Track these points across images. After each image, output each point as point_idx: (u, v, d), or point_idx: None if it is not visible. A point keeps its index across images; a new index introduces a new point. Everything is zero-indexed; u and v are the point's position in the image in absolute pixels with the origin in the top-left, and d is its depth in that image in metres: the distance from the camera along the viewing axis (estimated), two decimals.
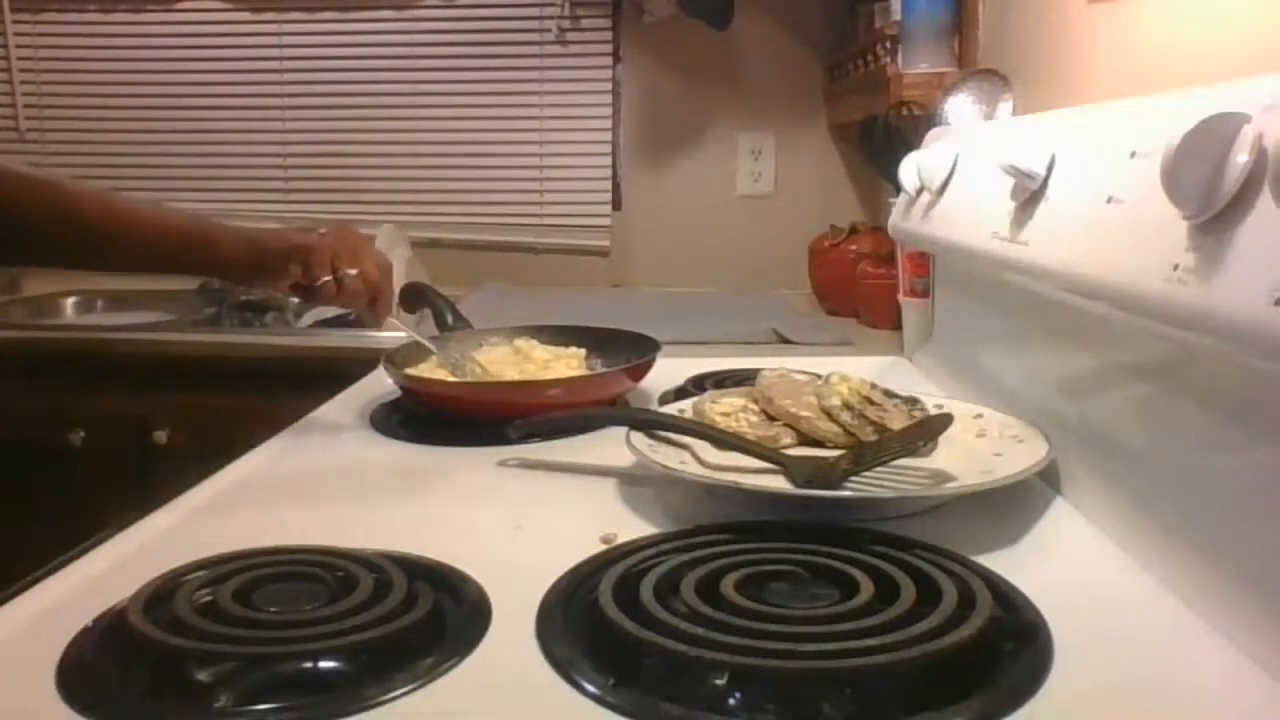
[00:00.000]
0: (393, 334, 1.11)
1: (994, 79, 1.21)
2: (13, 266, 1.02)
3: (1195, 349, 0.59)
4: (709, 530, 0.67)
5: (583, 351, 1.13)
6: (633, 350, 1.10)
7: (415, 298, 1.23)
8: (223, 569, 0.59)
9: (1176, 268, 0.55)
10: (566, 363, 1.11)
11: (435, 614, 0.56)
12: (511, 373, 1.08)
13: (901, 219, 1.14)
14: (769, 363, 1.03)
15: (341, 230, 0.99)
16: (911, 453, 0.76)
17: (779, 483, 0.75)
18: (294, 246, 0.95)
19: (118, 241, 0.96)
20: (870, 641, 0.49)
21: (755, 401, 0.90)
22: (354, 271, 0.95)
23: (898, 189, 1.14)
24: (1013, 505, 0.73)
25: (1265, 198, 0.50)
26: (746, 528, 0.67)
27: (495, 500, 0.82)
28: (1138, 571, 0.63)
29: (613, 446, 0.83)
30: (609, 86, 2.18)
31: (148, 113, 2.24)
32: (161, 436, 1.65)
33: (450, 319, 1.19)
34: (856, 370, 0.94)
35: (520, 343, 1.15)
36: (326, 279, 0.95)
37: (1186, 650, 0.54)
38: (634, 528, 0.71)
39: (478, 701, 0.50)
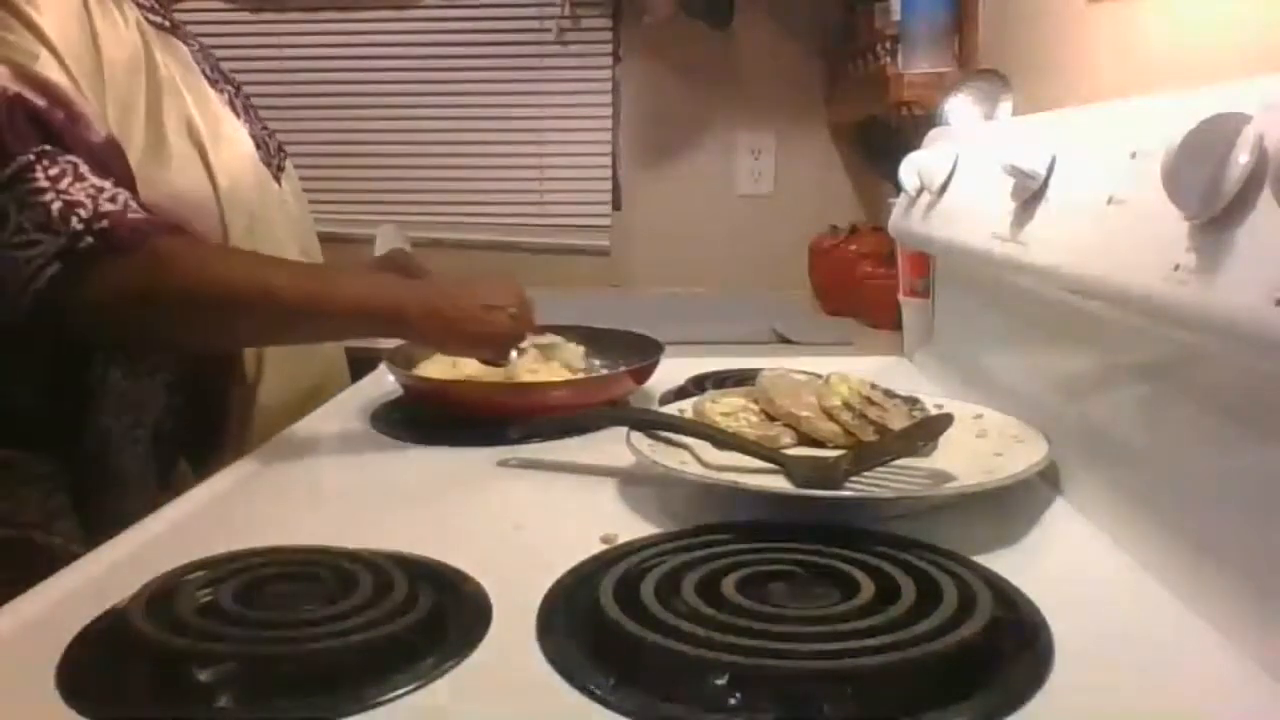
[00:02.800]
0: None
1: (994, 79, 1.21)
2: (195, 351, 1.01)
3: (1196, 349, 0.59)
4: (709, 530, 0.67)
5: (581, 349, 1.13)
6: (634, 351, 1.10)
7: None
8: (223, 569, 0.59)
9: (1177, 268, 0.55)
10: (562, 364, 1.11)
11: (435, 614, 0.56)
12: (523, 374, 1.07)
13: (901, 219, 1.14)
14: (769, 363, 1.03)
15: (520, 306, 0.99)
16: (912, 453, 0.76)
17: (779, 483, 0.75)
18: (485, 337, 0.96)
19: (312, 322, 0.94)
20: (871, 642, 0.49)
21: (755, 401, 0.90)
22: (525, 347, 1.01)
23: (898, 189, 1.14)
24: (1013, 505, 0.73)
25: (1266, 198, 0.50)
26: (747, 528, 0.67)
27: (495, 500, 0.82)
28: (1138, 571, 0.63)
29: (613, 446, 0.83)
30: (609, 86, 2.18)
31: None
32: None
33: None
34: (856, 370, 0.94)
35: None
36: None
37: (1186, 650, 0.54)
38: (634, 528, 0.71)
39: (478, 701, 0.50)
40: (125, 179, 0.90)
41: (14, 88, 0.84)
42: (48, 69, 0.86)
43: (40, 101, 0.85)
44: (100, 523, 0.92)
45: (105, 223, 0.84)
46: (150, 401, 0.97)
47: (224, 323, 0.92)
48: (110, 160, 0.89)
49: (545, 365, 1.06)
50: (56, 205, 0.83)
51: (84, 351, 0.93)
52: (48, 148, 0.84)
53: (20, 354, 0.91)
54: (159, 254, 0.86)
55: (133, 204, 0.87)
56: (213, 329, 0.93)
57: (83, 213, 0.83)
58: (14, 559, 0.88)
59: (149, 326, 0.90)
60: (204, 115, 1.02)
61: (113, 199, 0.86)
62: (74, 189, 0.84)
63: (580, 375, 1.08)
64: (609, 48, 2.17)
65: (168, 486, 0.98)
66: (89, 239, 0.83)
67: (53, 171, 0.84)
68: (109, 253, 0.84)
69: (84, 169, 0.85)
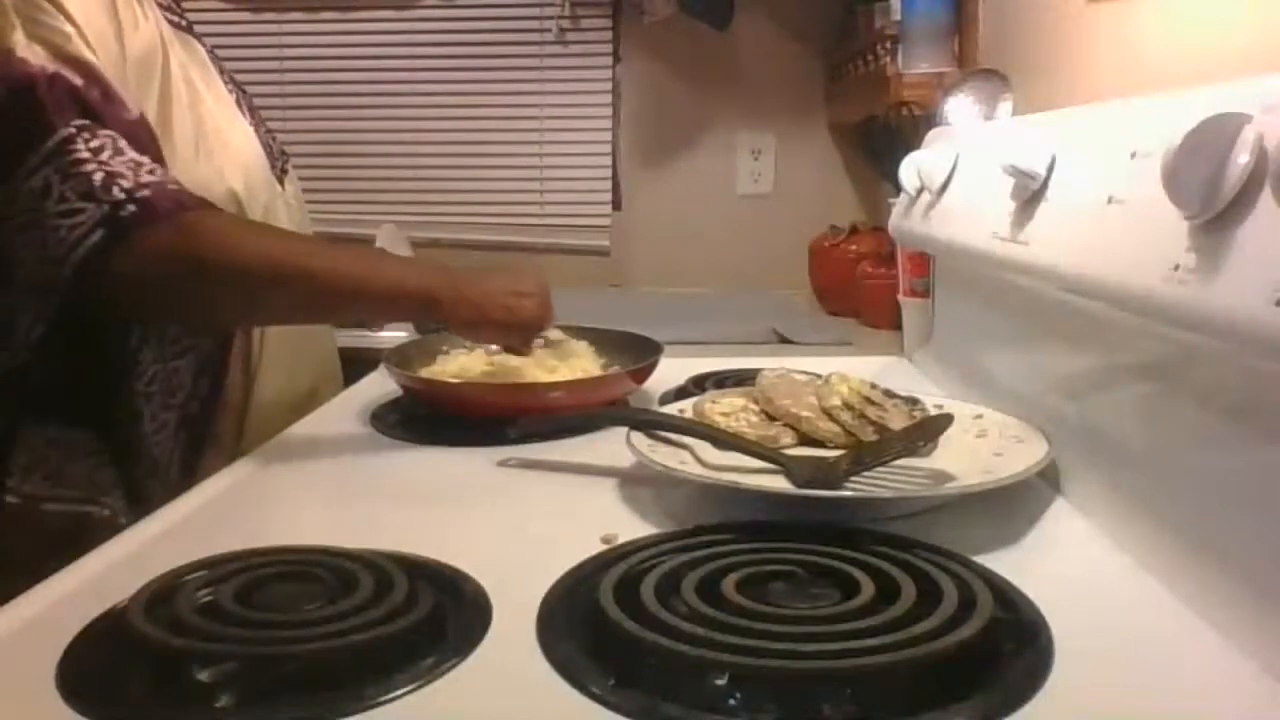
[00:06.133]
0: (393, 334, 1.11)
1: (994, 79, 1.21)
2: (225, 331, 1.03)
3: (1195, 349, 0.59)
4: (709, 530, 0.67)
5: (593, 348, 1.13)
6: (634, 351, 1.10)
7: None
8: (223, 569, 0.59)
9: (1177, 268, 0.55)
10: (579, 360, 1.10)
11: (436, 614, 0.56)
12: (535, 371, 1.07)
13: (901, 219, 1.14)
14: (769, 363, 1.03)
15: (544, 294, 1.00)
16: (912, 453, 0.76)
17: (779, 483, 0.75)
18: (514, 323, 0.98)
19: (347, 303, 0.97)
20: (871, 642, 0.49)
21: (755, 401, 0.90)
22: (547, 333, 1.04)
23: (898, 189, 1.14)
24: (1013, 505, 0.73)
25: (1266, 198, 0.50)
26: (747, 528, 0.67)
27: (495, 500, 0.82)
28: (1138, 571, 0.63)
29: (613, 446, 0.83)
30: (609, 86, 2.18)
31: None
32: None
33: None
34: (856, 370, 0.94)
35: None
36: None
37: (1186, 650, 0.54)
38: (634, 528, 0.71)
39: (478, 701, 0.50)
40: (157, 157, 0.92)
41: (52, 66, 0.86)
42: (82, 49, 0.88)
43: (77, 79, 0.87)
44: (139, 499, 0.93)
45: (147, 192, 0.86)
46: (179, 385, 0.98)
47: (261, 297, 0.93)
48: (143, 138, 0.91)
49: (564, 362, 1.07)
50: (99, 175, 0.85)
51: (120, 331, 0.94)
52: (87, 121, 0.86)
53: (58, 331, 0.92)
54: (199, 225, 0.88)
55: (169, 178, 0.89)
56: (249, 302, 0.94)
57: (124, 183, 0.85)
58: (72, 533, 0.89)
59: (187, 297, 0.92)
60: (220, 114, 1.04)
61: (151, 171, 0.88)
62: (114, 161, 0.86)
63: (586, 375, 1.08)
64: (609, 48, 2.17)
65: (192, 471, 0.98)
66: (131, 207, 0.85)
67: (94, 144, 0.86)
68: (151, 222, 0.86)
69: (122, 143, 0.88)
